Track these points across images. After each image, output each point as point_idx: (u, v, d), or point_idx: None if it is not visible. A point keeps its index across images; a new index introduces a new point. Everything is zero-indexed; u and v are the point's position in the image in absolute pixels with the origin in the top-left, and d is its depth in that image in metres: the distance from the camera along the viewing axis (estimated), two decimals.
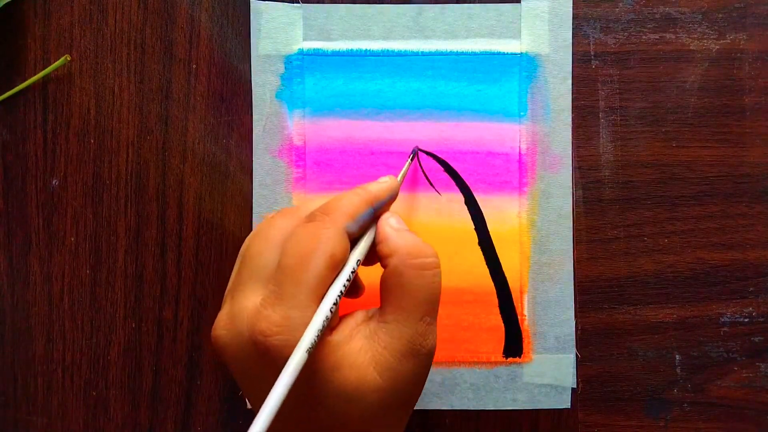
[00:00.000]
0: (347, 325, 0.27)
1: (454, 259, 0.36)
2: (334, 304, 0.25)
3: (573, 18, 0.36)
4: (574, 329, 0.36)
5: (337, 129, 0.36)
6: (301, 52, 0.36)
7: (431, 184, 0.36)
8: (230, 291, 0.28)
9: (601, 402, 0.36)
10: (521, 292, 0.36)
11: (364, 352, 0.26)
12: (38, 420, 0.36)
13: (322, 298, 0.25)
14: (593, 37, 0.36)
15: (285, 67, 0.36)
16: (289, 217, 0.28)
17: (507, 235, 0.36)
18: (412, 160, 0.35)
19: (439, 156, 0.36)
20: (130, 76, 0.36)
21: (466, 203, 0.36)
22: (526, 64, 0.36)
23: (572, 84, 0.36)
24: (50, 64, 0.36)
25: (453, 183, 0.36)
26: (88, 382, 0.36)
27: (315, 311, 0.25)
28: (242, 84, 0.36)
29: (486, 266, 0.36)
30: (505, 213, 0.36)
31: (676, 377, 0.36)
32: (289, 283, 0.25)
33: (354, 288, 0.31)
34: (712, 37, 0.36)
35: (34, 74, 0.36)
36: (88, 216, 0.36)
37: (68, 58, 0.36)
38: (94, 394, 0.36)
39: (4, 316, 0.36)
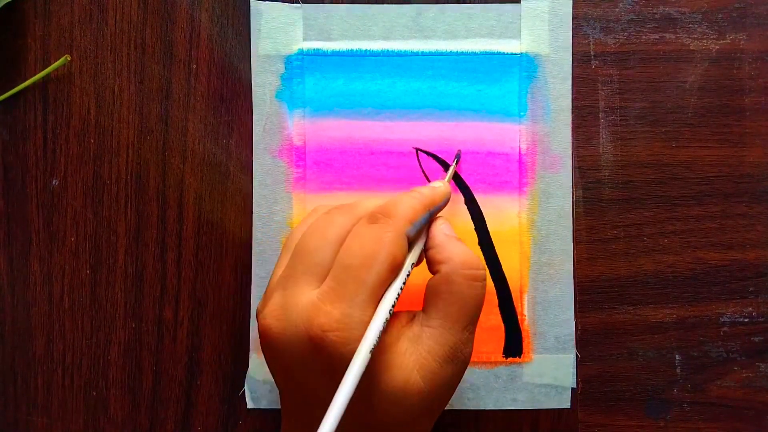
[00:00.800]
0: (394, 327, 0.27)
1: None
2: (392, 306, 0.26)
3: (573, 18, 0.36)
4: (574, 329, 0.36)
5: (337, 129, 0.36)
6: (301, 52, 0.36)
7: None
8: (281, 283, 0.28)
9: (601, 402, 0.36)
10: (521, 292, 0.36)
11: (408, 354, 0.26)
12: (38, 420, 0.36)
13: (380, 299, 0.26)
14: (593, 37, 0.36)
15: (285, 67, 0.36)
16: (348, 215, 0.28)
17: (507, 235, 0.36)
18: (457, 163, 0.35)
19: (439, 156, 0.36)
20: (130, 76, 0.36)
21: (466, 203, 0.36)
22: (526, 64, 0.36)
23: (572, 84, 0.36)
24: (50, 64, 0.36)
25: (453, 183, 0.36)
26: (88, 382, 0.36)
27: (373, 312, 0.25)
28: (242, 84, 0.36)
29: (486, 266, 0.36)
30: (505, 213, 0.36)
31: (676, 377, 0.36)
32: (351, 282, 0.25)
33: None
34: (711, 37, 0.36)
35: (34, 74, 0.36)
36: (88, 216, 0.36)
37: (68, 58, 0.36)
38: (94, 394, 0.36)
39: (4, 316, 0.36)
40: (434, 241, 0.28)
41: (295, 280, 0.27)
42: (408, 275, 0.27)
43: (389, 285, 0.26)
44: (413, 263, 0.28)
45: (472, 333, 0.27)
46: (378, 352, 0.25)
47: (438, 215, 0.30)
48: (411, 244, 0.28)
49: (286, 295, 0.27)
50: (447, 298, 0.27)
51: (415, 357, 0.26)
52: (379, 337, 0.25)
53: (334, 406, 0.23)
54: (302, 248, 0.28)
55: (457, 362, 0.27)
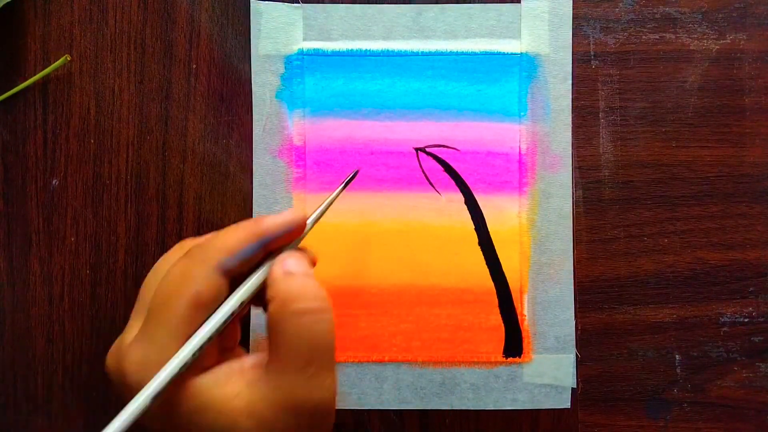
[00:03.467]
0: (224, 369, 0.25)
1: (454, 259, 0.36)
2: (199, 349, 0.24)
3: (573, 18, 0.36)
4: (574, 329, 0.36)
5: (337, 129, 0.36)
6: (301, 52, 0.36)
7: (431, 184, 0.36)
8: (128, 323, 0.27)
9: (601, 402, 0.36)
10: (521, 292, 0.36)
11: (240, 398, 0.24)
12: (38, 420, 0.36)
13: (189, 337, 0.24)
14: (593, 37, 0.36)
15: (285, 67, 0.36)
16: (180, 251, 0.27)
17: (507, 235, 0.36)
18: (346, 185, 0.31)
19: (439, 156, 0.36)
20: (130, 76, 0.36)
21: (466, 203, 0.36)
22: (526, 64, 0.36)
23: (572, 84, 0.36)
24: (50, 64, 0.36)
25: (453, 183, 0.36)
26: (88, 382, 0.36)
27: (176, 352, 0.24)
28: (242, 84, 0.36)
29: (486, 266, 0.36)
30: (505, 213, 0.36)
31: (676, 377, 0.36)
32: (152, 323, 0.24)
33: (227, 336, 0.28)
34: (712, 37, 0.36)
35: (34, 74, 0.36)
36: (88, 216, 0.36)
37: (68, 58, 0.36)
38: (94, 394, 0.36)
39: (4, 316, 0.36)
40: (270, 278, 0.25)
41: (130, 321, 0.27)
42: (233, 314, 0.25)
43: (202, 323, 0.24)
44: (243, 301, 0.25)
45: (317, 376, 0.24)
46: (191, 393, 0.24)
47: (288, 251, 0.27)
48: (241, 279, 0.26)
49: (120, 337, 0.26)
50: (276, 339, 0.24)
51: (246, 401, 0.24)
52: (172, 381, 0.23)
53: None
54: (141, 288, 0.27)
55: (298, 411, 0.24)
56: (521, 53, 0.36)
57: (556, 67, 0.36)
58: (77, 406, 0.36)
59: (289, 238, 0.27)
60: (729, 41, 0.36)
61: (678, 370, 0.36)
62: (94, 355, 0.36)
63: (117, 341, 0.26)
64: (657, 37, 0.36)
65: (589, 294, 0.36)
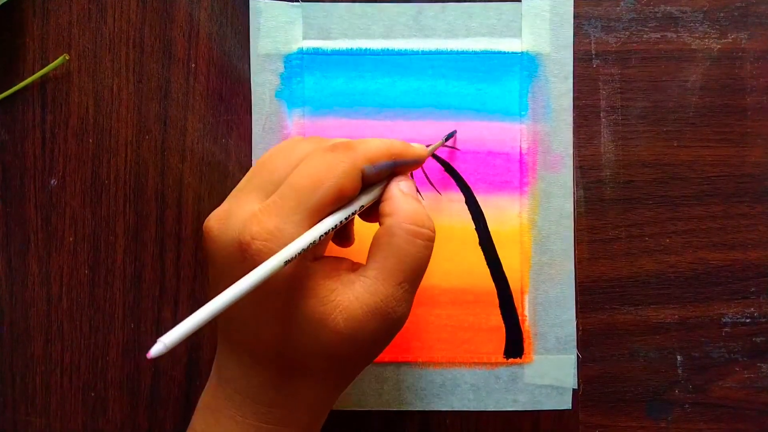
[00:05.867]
0: (329, 263, 0.27)
1: (455, 259, 0.36)
2: (325, 233, 0.26)
3: (574, 17, 0.36)
4: (575, 330, 0.36)
5: (336, 128, 0.36)
6: (300, 51, 0.36)
7: (432, 184, 0.36)
8: (234, 194, 0.28)
9: (602, 403, 0.36)
10: (522, 293, 0.36)
11: (336, 293, 0.26)
12: (37, 420, 0.36)
13: (317, 224, 0.26)
14: (594, 36, 0.36)
15: (284, 66, 0.36)
16: (315, 143, 0.29)
17: (508, 235, 0.36)
18: (446, 140, 0.35)
19: (440, 156, 0.36)
20: (128, 75, 0.36)
21: (466, 203, 0.36)
22: (527, 64, 0.36)
23: (573, 83, 0.36)
24: (49, 64, 0.36)
25: (453, 183, 0.36)
26: (86, 383, 0.36)
27: (306, 233, 0.25)
28: (242, 83, 0.36)
29: (487, 266, 0.36)
30: (505, 213, 0.36)
31: (677, 378, 0.36)
32: (293, 200, 0.26)
33: (344, 236, 0.32)
34: (713, 36, 0.36)
35: (33, 73, 0.36)
36: (87, 216, 0.36)
37: (67, 58, 0.36)
38: (93, 394, 0.36)
39: (2, 317, 0.36)
40: (387, 194, 0.28)
41: (246, 192, 0.28)
42: (354, 213, 0.27)
43: (330, 213, 0.26)
44: (363, 205, 0.28)
45: (408, 293, 0.27)
46: (303, 276, 0.26)
47: (404, 175, 0.30)
48: (368, 188, 0.28)
49: (234, 204, 0.27)
50: (385, 250, 0.27)
51: (341, 298, 0.26)
52: (301, 255, 0.25)
53: (221, 297, 0.23)
54: (262, 165, 0.28)
55: (385, 318, 0.26)
56: (522, 52, 0.36)
57: (557, 67, 0.36)
58: (76, 407, 0.36)
59: (409, 169, 0.30)
60: (730, 40, 0.36)
61: (679, 371, 0.36)
62: (93, 356, 0.36)
63: (224, 207, 0.28)
64: (658, 36, 0.36)
65: (590, 294, 0.36)
